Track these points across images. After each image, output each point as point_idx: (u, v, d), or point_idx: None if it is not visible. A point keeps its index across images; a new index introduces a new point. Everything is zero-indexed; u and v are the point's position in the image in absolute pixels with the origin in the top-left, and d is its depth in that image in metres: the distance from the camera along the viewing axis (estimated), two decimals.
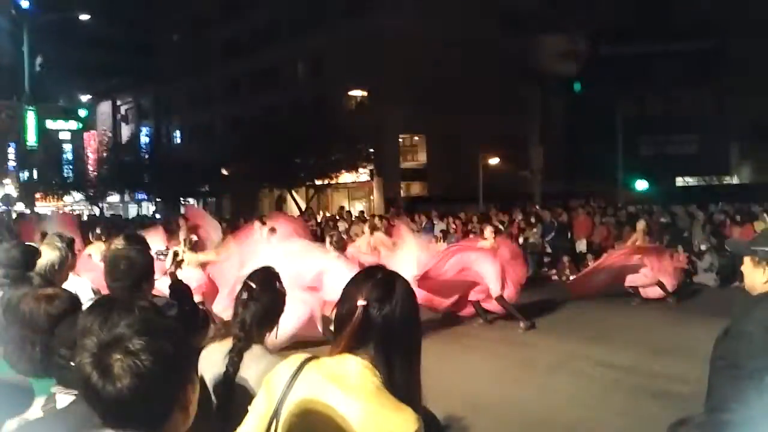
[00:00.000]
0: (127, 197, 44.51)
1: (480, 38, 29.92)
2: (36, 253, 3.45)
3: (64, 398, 1.69)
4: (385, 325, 1.60)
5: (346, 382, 1.57)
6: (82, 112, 39.55)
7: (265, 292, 2.44)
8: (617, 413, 5.85)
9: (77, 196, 38.75)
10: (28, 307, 2.00)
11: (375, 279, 1.69)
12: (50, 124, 34.78)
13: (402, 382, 1.59)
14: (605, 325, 9.49)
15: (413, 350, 1.67)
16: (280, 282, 2.54)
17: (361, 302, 1.61)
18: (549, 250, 15.56)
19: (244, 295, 2.42)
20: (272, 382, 1.66)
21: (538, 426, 5.59)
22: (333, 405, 1.54)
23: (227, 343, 2.37)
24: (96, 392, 1.19)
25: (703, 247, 13.57)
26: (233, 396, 2.20)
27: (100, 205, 38.74)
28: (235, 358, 2.29)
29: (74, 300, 2.08)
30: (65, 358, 1.70)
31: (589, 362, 7.48)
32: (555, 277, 14.44)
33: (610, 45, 33.91)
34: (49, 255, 3.51)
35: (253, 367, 2.24)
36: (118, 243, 2.90)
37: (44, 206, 36.26)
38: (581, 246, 15.74)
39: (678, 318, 9.71)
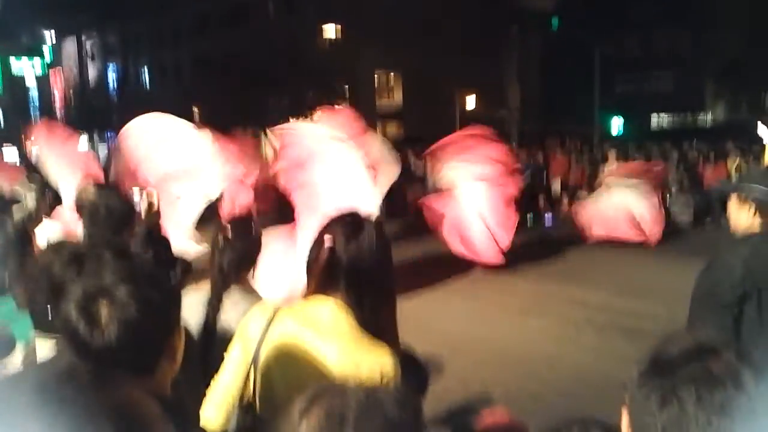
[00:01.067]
0: (96, 138, 43.48)
1: None
2: (7, 198, 3.37)
3: (43, 343, 1.68)
4: (352, 266, 1.60)
5: (321, 324, 1.58)
6: (47, 50, 38.18)
7: (241, 236, 2.43)
8: (588, 350, 6.02)
9: None
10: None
11: (343, 220, 1.69)
12: (14, 62, 33.57)
13: (374, 322, 1.60)
14: (579, 265, 9.59)
15: (385, 290, 1.68)
16: (257, 224, 2.53)
17: (327, 243, 1.62)
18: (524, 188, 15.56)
19: (221, 240, 2.40)
20: (247, 328, 1.67)
21: (513, 363, 5.75)
22: (309, 348, 1.55)
23: (206, 288, 2.37)
24: (83, 341, 1.17)
25: (675, 188, 13.68)
26: (215, 340, 2.21)
27: None
28: (215, 302, 2.30)
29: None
30: (39, 303, 1.68)
31: (562, 302, 7.64)
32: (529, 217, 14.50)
33: None
34: (21, 199, 3.43)
35: (233, 311, 2.24)
36: (90, 188, 2.82)
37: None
38: (556, 185, 15.83)
39: (651, 257, 9.76)
